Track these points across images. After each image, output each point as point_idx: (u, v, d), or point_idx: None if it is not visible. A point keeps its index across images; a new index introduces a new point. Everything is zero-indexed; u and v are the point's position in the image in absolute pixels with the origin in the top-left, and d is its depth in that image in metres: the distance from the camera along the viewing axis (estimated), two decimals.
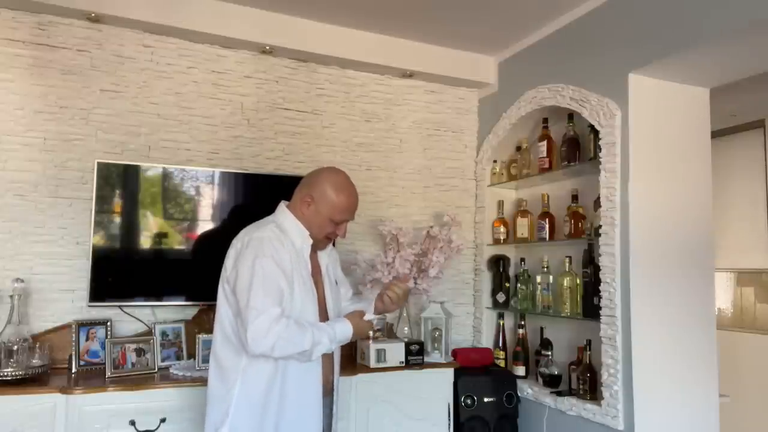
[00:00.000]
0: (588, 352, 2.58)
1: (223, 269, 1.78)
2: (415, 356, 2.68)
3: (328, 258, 1.95)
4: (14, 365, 2.14)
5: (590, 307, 2.58)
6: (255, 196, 2.79)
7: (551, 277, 2.89)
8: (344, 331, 1.76)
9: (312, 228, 1.82)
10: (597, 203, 2.55)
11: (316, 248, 1.87)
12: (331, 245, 1.97)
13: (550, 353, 2.88)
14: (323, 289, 1.88)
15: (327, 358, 1.82)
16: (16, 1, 2.47)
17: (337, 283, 1.97)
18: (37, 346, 2.26)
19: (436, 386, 2.71)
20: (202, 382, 2.25)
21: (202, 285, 2.69)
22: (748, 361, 4.02)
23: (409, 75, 3.26)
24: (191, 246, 2.67)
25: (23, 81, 2.52)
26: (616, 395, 2.35)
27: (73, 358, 2.40)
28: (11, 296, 2.26)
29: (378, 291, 2.03)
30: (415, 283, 2.93)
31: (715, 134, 2.97)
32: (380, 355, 2.60)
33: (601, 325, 2.44)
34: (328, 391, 1.86)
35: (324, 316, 1.84)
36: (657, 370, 2.35)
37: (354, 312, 1.87)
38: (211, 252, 2.69)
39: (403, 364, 2.64)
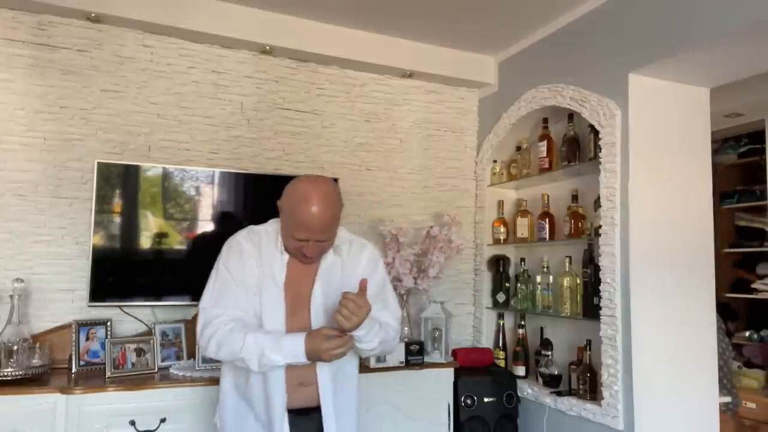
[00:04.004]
0: (588, 352, 2.58)
1: None
2: (415, 356, 2.68)
3: (342, 264, 1.73)
4: (14, 365, 2.14)
5: (590, 307, 2.58)
6: (255, 196, 2.80)
7: (551, 277, 2.89)
8: (294, 343, 1.53)
9: (282, 237, 1.67)
10: (597, 203, 2.55)
11: (298, 260, 1.69)
12: (361, 248, 1.77)
13: (550, 353, 2.88)
14: (310, 296, 1.68)
15: (304, 371, 1.63)
16: (16, 1, 2.47)
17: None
18: (37, 346, 2.26)
19: (436, 386, 2.71)
20: (202, 382, 2.26)
21: (202, 285, 2.69)
22: None
23: (409, 75, 3.26)
24: (191, 246, 2.67)
25: (23, 81, 2.52)
26: (616, 395, 2.35)
27: (73, 358, 2.40)
28: (11, 296, 2.26)
29: None
30: (415, 283, 2.93)
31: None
32: (380, 355, 2.60)
33: (601, 325, 2.44)
34: (310, 408, 1.66)
35: (305, 327, 1.64)
36: (657, 370, 2.35)
37: (323, 328, 1.58)
38: (210, 251, 2.70)
39: (403, 364, 2.64)
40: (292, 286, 1.67)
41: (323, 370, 1.66)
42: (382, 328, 1.65)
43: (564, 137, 2.81)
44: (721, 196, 4.31)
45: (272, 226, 1.74)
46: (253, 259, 1.67)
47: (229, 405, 1.71)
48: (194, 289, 2.65)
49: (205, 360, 2.40)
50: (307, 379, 1.66)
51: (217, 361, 2.41)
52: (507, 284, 3.21)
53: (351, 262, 1.75)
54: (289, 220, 1.60)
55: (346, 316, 1.51)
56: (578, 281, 2.71)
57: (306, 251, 1.62)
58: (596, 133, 2.55)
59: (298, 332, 1.57)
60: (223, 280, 1.67)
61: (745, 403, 3.71)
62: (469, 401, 2.76)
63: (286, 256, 1.68)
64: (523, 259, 3.15)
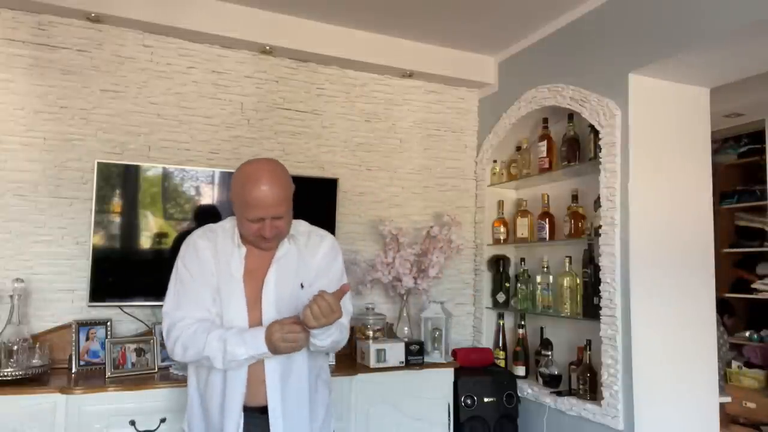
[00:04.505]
0: (588, 352, 2.58)
1: None
2: (415, 356, 2.68)
3: (298, 253, 1.69)
4: (14, 365, 2.14)
5: (590, 307, 2.58)
6: None
7: (551, 277, 2.89)
8: (255, 335, 1.52)
9: (239, 228, 1.66)
10: (597, 203, 2.55)
11: (258, 248, 1.66)
12: (320, 239, 1.74)
13: (550, 353, 2.88)
14: (263, 290, 1.64)
15: (254, 370, 1.60)
16: (16, 1, 2.47)
17: (303, 286, 1.65)
18: (37, 346, 2.26)
19: (436, 386, 2.71)
20: None
21: None
22: None
23: (409, 75, 3.26)
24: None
25: (23, 81, 2.52)
26: (616, 395, 2.35)
27: (73, 358, 2.40)
28: (11, 296, 2.26)
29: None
30: (415, 283, 2.93)
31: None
32: (380, 355, 2.60)
33: (601, 325, 2.44)
34: (260, 409, 1.61)
35: (258, 320, 1.61)
36: (657, 370, 2.35)
37: (285, 318, 1.56)
38: None
39: (403, 364, 2.64)
40: (250, 278, 1.65)
41: (271, 366, 1.60)
42: (337, 328, 1.62)
43: (564, 137, 2.81)
44: (721, 196, 4.31)
45: (229, 223, 1.73)
46: (209, 254, 1.66)
47: (196, 406, 1.69)
48: None
49: None
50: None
51: None
52: (507, 284, 3.21)
53: (308, 253, 1.71)
54: (241, 205, 1.58)
55: (315, 314, 1.47)
56: (578, 281, 2.71)
57: (264, 232, 1.57)
58: (596, 133, 2.55)
59: (260, 326, 1.57)
60: (183, 282, 1.66)
61: (745, 403, 3.72)
62: (469, 401, 2.76)
63: (244, 250, 1.67)
64: (523, 259, 3.15)
